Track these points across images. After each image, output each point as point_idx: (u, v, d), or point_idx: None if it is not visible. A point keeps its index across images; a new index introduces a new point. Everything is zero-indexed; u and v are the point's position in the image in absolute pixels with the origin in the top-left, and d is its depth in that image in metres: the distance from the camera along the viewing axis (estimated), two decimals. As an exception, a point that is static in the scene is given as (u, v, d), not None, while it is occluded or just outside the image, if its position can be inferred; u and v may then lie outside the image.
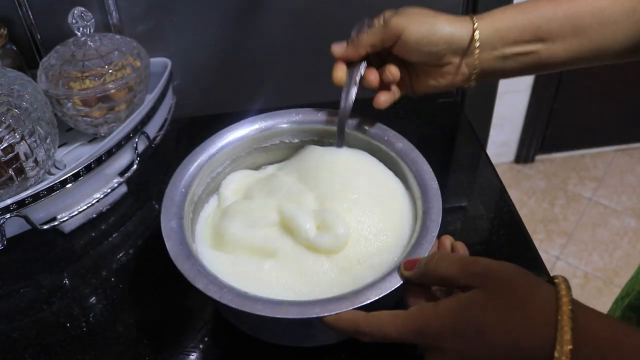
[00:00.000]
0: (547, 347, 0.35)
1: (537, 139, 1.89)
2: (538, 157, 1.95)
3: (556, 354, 0.34)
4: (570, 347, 0.34)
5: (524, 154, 1.93)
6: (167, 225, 0.51)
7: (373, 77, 0.57)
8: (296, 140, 0.63)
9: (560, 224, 1.76)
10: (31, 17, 0.75)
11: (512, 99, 1.77)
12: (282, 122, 0.61)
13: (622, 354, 0.34)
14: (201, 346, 0.55)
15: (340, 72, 0.57)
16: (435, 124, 0.83)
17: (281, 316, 0.43)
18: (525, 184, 1.89)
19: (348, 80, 0.56)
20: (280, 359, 0.54)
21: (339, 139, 0.59)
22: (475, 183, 0.73)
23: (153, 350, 0.55)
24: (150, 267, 0.63)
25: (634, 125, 1.93)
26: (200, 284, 0.46)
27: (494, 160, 0.75)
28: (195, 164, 0.57)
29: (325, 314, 0.43)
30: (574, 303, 0.36)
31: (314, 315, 0.43)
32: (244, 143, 0.61)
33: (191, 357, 0.54)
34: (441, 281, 0.42)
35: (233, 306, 0.44)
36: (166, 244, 0.49)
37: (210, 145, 0.59)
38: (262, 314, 0.44)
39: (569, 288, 0.37)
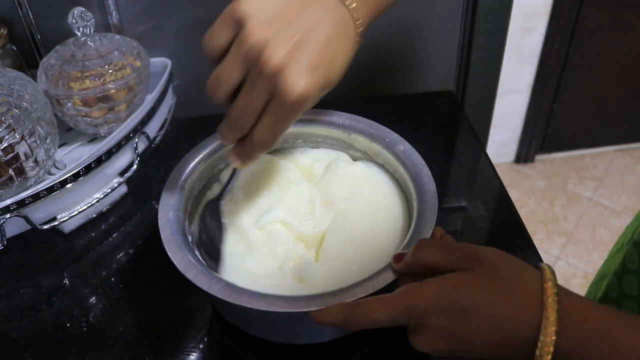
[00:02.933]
0: (531, 329, 0.36)
1: (537, 139, 1.89)
2: (538, 157, 1.96)
3: (541, 336, 0.35)
4: (555, 328, 0.35)
5: (524, 154, 1.93)
6: (165, 217, 0.51)
7: None
8: (300, 141, 0.63)
9: (560, 224, 1.76)
10: (31, 17, 0.75)
11: (512, 99, 1.77)
12: None
13: (604, 335, 0.35)
14: (201, 346, 0.55)
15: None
16: (435, 124, 0.83)
17: (266, 309, 0.44)
18: (525, 184, 1.89)
19: None
20: (280, 357, 0.54)
21: None
22: (475, 183, 0.73)
23: (153, 350, 0.55)
24: (150, 268, 0.63)
25: (634, 125, 1.93)
26: (190, 274, 0.46)
27: (494, 160, 0.75)
28: (197, 159, 0.58)
29: (311, 309, 0.43)
30: (558, 287, 0.37)
31: (299, 310, 0.44)
32: None
33: (191, 357, 0.54)
34: (428, 269, 0.42)
35: (220, 297, 0.45)
36: (161, 234, 0.50)
37: (213, 142, 0.59)
38: (248, 305, 0.44)
39: (553, 273, 0.38)
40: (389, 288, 0.45)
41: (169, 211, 0.52)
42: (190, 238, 0.53)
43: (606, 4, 1.60)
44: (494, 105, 0.97)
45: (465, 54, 0.88)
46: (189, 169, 0.57)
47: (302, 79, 0.42)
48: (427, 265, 0.42)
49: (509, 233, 0.65)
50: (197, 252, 0.52)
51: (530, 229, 0.66)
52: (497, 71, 0.92)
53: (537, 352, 0.35)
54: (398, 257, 0.45)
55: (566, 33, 1.63)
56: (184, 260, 0.47)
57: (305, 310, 0.43)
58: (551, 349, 0.35)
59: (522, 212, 1.37)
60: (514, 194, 1.82)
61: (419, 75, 0.88)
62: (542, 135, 1.88)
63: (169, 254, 0.48)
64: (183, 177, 0.56)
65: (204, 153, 0.58)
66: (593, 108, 1.85)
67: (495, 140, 1.86)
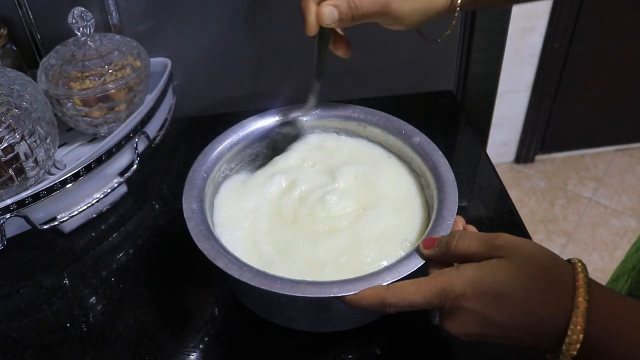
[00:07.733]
0: (561, 317, 0.37)
1: (537, 139, 1.89)
2: (538, 157, 1.95)
3: (571, 324, 0.36)
4: (584, 317, 0.36)
5: (524, 154, 1.93)
6: (189, 208, 0.52)
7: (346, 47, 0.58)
8: (317, 130, 0.64)
9: (560, 224, 1.76)
10: (31, 17, 0.75)
11: (512, 99, 1.77)
12: (302, 115, 0.63)
13: (632, 325, 0.36)
14: (201, 346, 0.55)
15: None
16: (435, 124, 0.83)
17: (300, 295, 0.44)
18: (525, 184, 1.89)
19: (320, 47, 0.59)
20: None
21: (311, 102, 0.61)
22: (475, 183, 0.73)
23: (153, 350, 0.55)
24: (150, 267, 0.63)
25: (634, 125, 1.93)
26: (220, 263, 0.46)
27: (494, 160, 0.75)
28: (217, 151, 0.59)
29: (345, 294, 0.43)
30: (589, 279, 0.38)
31: (333, 295, 0.43)
32: (264, 134, 0.62)
33: (191, 357, 0.54)
34: (463, 258, 0.43)
35: (252, 284, 0.44)
36: (187, 224, 0.50)
37: (231, 135, 0.60)
38: (280, 292, 0.44)
39: (584, 266, 0.39)
40: (417, 273, 0.45)
41: (192, 202, 0.53)
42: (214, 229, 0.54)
43: (606, 5, 1.60)
44: (494, 105, 0.96)
45: (465, 54, 0.88)
46: (209, 160, 0.57)
47: None
48: (464, 255, 0.43)
49: (509, 233, 0.65)
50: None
51: (530, 229, 0.66)
52: (497, 71, 0.91)
53: (567, 340, 0.36)
54: (428, 243, 0.46)
55: (566, 33, 1.63)
56: (212, 249, 0.48)
57: (340, 295, 0.43)
58: (580, 337, 0.36)
59: (522, 212, 1.37)
60: (514, 194, 1.82)
61: (419, 75, 0.88)
62: (542, 135, 1.88)
63: (197, 243, 0.48)
64: (204, 169, 0.57)
65: (223, 145, 0.59)
66: (593, 108, 1.84)
67: (495, 140, 1.86)
